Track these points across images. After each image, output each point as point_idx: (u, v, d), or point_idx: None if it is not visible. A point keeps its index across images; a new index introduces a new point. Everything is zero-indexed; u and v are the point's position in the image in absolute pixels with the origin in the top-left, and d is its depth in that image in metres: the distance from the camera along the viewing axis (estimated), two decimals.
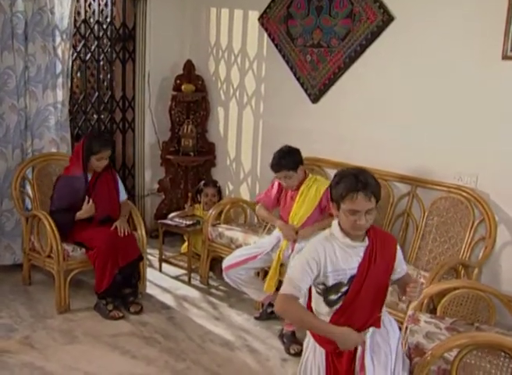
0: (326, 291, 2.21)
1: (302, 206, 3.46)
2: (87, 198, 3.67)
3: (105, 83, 5.08)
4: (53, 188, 3.83)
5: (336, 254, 2.19)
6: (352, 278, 2.19)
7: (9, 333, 3.34)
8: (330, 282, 2.19)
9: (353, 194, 2.10)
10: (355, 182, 2.11)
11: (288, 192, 3.54)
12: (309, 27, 4.15)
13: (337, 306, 2.21)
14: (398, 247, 2.32)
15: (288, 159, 3.39)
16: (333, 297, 2.21)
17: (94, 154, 3.67)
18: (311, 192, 3.45)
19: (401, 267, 2.33)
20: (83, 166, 3.69)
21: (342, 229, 2.21)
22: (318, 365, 2.27)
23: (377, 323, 2.26)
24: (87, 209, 3.67)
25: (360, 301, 2.19)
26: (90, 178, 3.76)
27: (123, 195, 3.99)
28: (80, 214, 3.67)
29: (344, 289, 2.19)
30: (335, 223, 2.25)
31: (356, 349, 2.20)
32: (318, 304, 2.27)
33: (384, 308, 2.32)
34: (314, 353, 2.30)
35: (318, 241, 2.25)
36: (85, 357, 3.13)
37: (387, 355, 2.21)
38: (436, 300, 2.98)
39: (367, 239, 2.22)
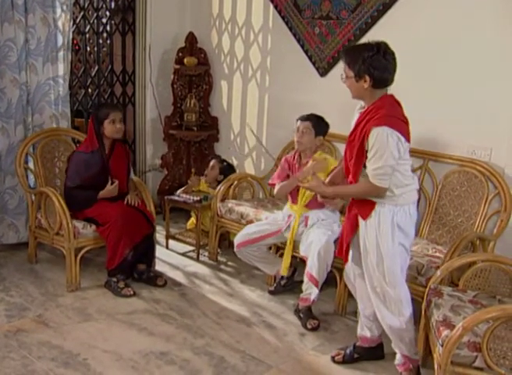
0: None
1: None
2: (110, 179, 3.62)
3: (101, 57, 4.93)
4: (67, 164, 3.75)
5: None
6: None
7: (22, 312, 3.28)
8: None
9: None
10: None
11: (298, 169, 3.50)
12: None
13: None
14: (377, 136, 2.46)
15: (318, 119, 3.51)
16: None
17: (105, 118, 3.61)
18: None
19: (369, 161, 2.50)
20: (98, 138, 3.62)
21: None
22: None
23: None
24: (110, 190, 3.62)
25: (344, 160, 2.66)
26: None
27: (131, 173, 3.94)
28: (103, 194, 3.62)
29: None
30: None
31: None
32: None
33: None
34: None
35: None
36: (102, 335, 3.09)
37: None
38: (455, 273, 2.99)
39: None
